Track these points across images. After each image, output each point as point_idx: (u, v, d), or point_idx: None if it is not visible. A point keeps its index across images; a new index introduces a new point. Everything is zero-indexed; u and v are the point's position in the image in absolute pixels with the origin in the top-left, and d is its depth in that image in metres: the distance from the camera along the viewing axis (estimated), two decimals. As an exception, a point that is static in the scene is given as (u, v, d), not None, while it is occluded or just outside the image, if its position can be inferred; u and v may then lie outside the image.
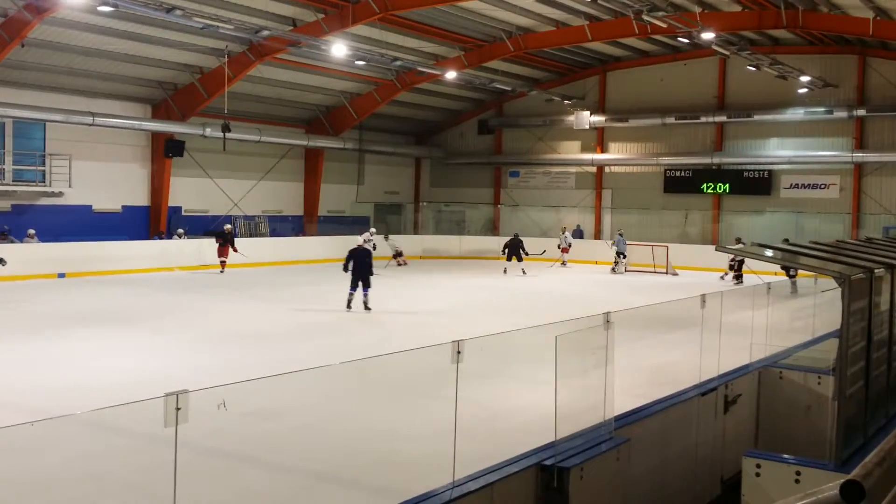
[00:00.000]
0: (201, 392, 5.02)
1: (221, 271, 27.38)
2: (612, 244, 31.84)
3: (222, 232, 28.07)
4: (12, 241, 25.25)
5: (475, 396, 9.42)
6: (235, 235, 32.46)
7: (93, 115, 27.16)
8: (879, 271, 7.26)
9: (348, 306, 19.07)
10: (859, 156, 32.49)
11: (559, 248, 32.53)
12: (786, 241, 25.03)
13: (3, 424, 5.09)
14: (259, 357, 13.68)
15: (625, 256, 31.24)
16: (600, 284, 27.39)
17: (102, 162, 29.18)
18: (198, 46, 27.82)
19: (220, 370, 12.35)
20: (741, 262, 27.34)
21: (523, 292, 24.89)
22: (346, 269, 19.53)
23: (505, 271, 29.61)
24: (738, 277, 27.78)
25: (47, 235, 26.08)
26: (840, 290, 6.60)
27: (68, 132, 27.49)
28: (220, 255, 27.55)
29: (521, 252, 29.75)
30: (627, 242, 31.72)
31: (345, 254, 33.57)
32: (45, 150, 27.45)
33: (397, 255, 32.00)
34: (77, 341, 15.18)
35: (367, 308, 19.04)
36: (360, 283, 19.14)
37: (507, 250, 30.04)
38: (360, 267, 19.19)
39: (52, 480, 7.92)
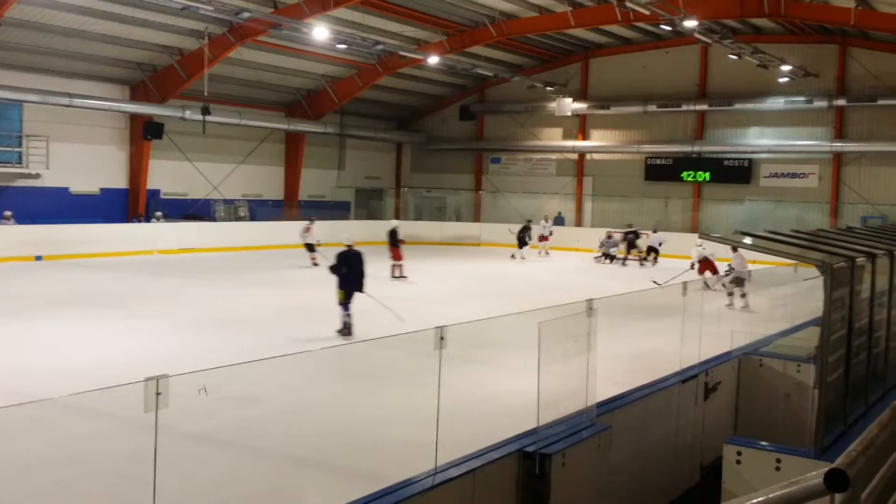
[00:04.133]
0: (181, 377, 4.98)
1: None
2: (601, 245, 31.40)
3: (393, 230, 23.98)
4: (-12, 223, 25.01)
5: (458, 383, 9.40)
6: (205, 218, 32.37)
7: (70, 96, 26.86)
8: (861, 260, 7.30)
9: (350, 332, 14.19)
10: (838, 145, 32.70)
11: (539, 237, 32.07)
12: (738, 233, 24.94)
13: (-20, 408, 5.03)
14: (240, 342, 13.61)
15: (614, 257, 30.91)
16: (582, 271, 27.47)
17: (80, 143, 28.86)
18: (177, 27, 27.52)
19: (199, 355, 12.28)
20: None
21: (505, 279, 24.92)
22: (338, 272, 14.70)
23: (512, 257, 29.75)
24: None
25: (24, 217, 25.80)
26: (821, 278, 6.63)
27: (45, 113, 27.14)
28: (396, 259, 23.39)
29: (527, 239, 30.04)
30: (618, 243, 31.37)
31: (322, 238, 33.22)
32: (21, 132, 27.07)
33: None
34: (54, 324, 15.04)
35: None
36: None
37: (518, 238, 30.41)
38: (357, 274, 14.66)
39: (31, 464, 7.85)
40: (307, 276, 24.03)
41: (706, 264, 20.97)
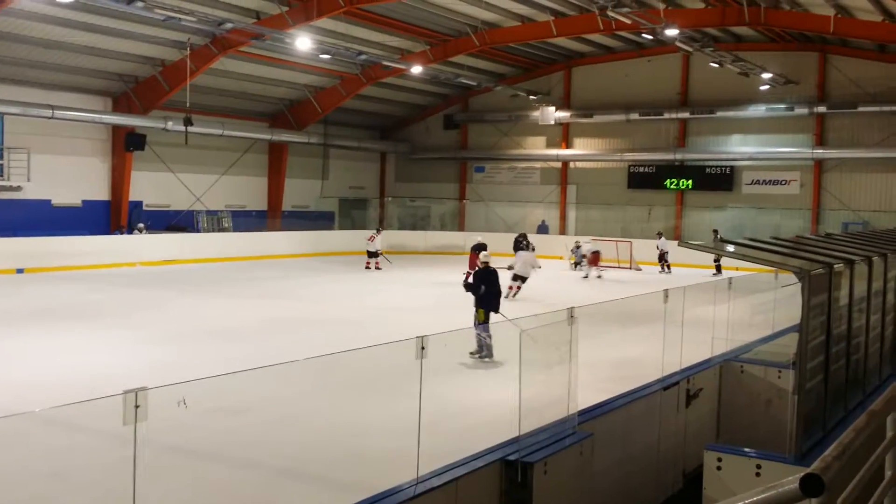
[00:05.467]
0: (162, 389, 4.95)
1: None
2: (572, 253, 31.38)
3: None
4: (-31, 236, 24.83)
5: (440, 392, 9.41)
6: (195, 229, 32.27)
7: (52, 107, 26.72)
8: (839, 266, 7.35)
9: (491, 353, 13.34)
10: (819, 152, 32.95)
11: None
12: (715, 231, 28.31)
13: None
14: (223, 353, 13.56)
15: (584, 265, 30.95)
16: (564, 280, 27.51)
17: (62, 156, 28.72)
18: (159, 39, 27.46)
19: (183, 367, 12.22)
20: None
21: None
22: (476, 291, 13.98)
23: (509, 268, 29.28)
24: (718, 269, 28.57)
25: (5, 230, 25.62)
26: (800, 285, 6.67)
27: (27, 125, 26.99)
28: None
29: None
30: (584, 253, 31.34)
31: (304, 249, 33.09)
32: (2, 144, 26.92)
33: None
34: (36, 338, 14.94)
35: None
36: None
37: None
38: (495, 294, 14.05)
39: (11, 478, 7.79)
40: (289, 286, 23.99)
41: (596, 256, 26.66)
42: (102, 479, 7.69)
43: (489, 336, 13.21)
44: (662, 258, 30.49)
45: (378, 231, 29.86)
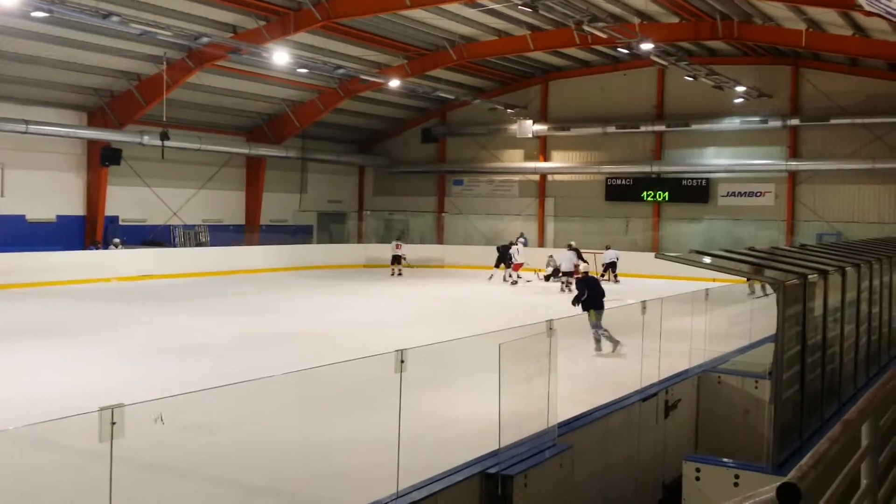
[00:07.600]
0: (137, 406, 4.91)
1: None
2: (548, 265, 31.41)
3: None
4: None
5: (419, 406, 9.38)
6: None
7: (26, 122, 26.48)
8: (813, 277, 7.41)
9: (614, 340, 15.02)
10: (793, 164, 33.29)
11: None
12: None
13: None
14: (199, 369, 13.46)
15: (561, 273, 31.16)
16: (543, 292, 27.57)
17: (36, 170, 28.47)
18: (135, 53, 27.33)
19: (158, 383, 12.11)
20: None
21: (467, 300, 24.95)
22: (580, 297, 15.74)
23: (490, 278, 29.67)
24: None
25: (-21, 246, 25.34)
26: (775, 295, 6.72)
27: (0, 140, 26.75)
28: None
29: (510, 259, 29.72)
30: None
31: (282, 263, 32.99)
32: (-24, 159, 26.70)
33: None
34: (10, 355, 14.76)
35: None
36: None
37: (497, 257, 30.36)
38: (598, 296, 15.56)
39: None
40: (266, 301, 23.88)
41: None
42: (78, 497, 7.59)
43: (606, 330, 15.01)
44: (609, 268, 30.64)
45: (400, 240, 34.02)
